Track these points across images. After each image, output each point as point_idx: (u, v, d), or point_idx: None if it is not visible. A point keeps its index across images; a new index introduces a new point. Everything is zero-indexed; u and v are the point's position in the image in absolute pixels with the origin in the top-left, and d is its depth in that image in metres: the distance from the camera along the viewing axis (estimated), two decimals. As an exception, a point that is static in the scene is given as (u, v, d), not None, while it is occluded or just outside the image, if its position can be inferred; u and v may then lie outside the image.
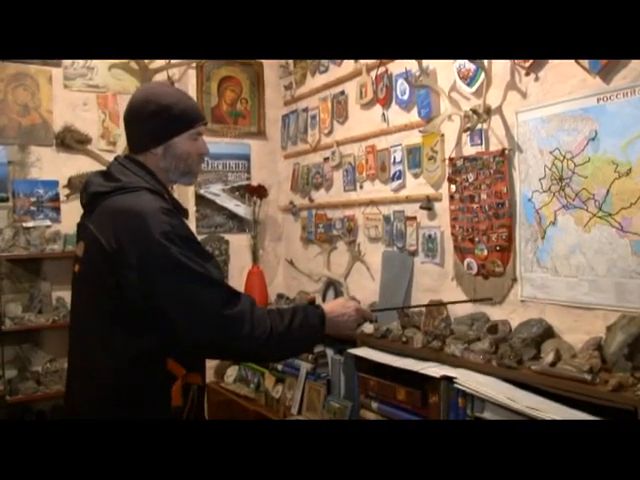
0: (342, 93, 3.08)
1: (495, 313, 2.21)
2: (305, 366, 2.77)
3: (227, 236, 3.54)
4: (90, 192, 1.39)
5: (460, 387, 1.84)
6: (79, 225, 1.45)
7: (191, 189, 3.38)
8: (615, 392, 1.56)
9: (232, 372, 3.25)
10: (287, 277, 3.68)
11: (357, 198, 2.99)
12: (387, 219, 2.76)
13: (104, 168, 1.49)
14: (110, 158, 1.62)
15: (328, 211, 3.22)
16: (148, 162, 1.41)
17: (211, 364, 3.28)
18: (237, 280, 3.41)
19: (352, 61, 2.98)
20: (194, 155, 1.45)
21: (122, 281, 1.25)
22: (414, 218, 2.59)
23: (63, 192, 3.29)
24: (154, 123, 1.39)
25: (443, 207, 2.45)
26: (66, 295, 3.14)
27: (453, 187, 2.35)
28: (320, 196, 3.32)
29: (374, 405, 2.28)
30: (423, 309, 2.41)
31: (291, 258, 3.53)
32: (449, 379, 1.91)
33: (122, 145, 3.34)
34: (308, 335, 1.40)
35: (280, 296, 3.54)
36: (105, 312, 1.29)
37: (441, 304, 2.28)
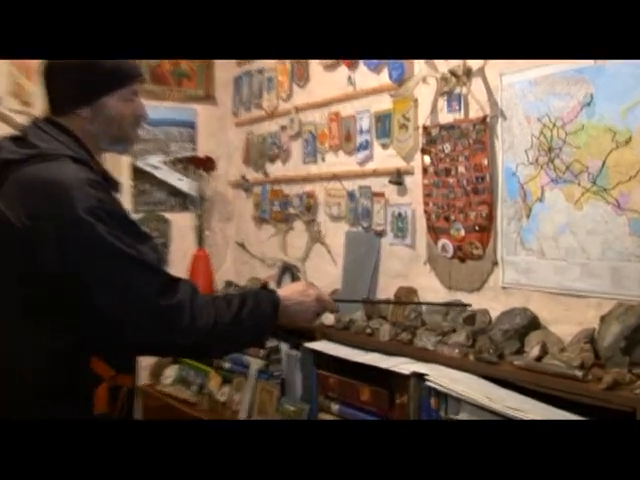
0: (303, 54, 2.94)
1: (473, 301, 2.12)
2: (256, 363, 2.65)
3: (168, 215, 3.37)
4: None
5: (432, 385, 1.80)
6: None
7: (126, 160, 3.16)
8: (610, 391, 1.52)
9: (171, 372, 3.06)
10: (237, 262, 3.56)
11: (318, 172, 2.88)
12: (351, 195, 2.67)
13: (17, 132, 1.34)
14: (22, 120, 1.48)
15: (285, 186, 3.10)
16: (73, 126, 1.31)
17: (146, 363, 3.10)
18: (179, 266, 3.23)
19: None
20: (129, 118, 1.36)
21: (37, 265, 1.17)
22: (382, 194, 2.51)
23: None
24: (80, 78, 1.30)
25: (415, 182, 2.36)
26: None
27: (427, 159, 2.27)
28: (276, 169, 3.19)
29: (334, 407, 2.21)
30: (391, 297, 2.33)
31: (242, 240, 3.42)
32: (420, 376, 1.86)
33: (39, 105, 3.02)
34: (258, 325, 1.34)
35: (229, 283, 3.41)
36: (17, 302, 1.21)
37: (413, 303, 2.22)
